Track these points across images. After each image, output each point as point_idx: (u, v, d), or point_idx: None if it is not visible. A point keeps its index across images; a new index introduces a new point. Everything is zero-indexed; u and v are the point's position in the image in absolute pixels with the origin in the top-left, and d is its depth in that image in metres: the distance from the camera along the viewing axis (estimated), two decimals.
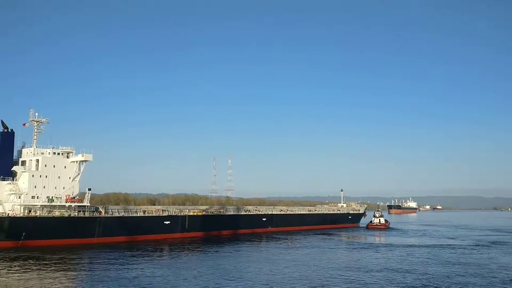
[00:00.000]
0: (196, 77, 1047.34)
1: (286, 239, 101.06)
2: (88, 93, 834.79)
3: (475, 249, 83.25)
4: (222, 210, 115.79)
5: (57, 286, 44.26)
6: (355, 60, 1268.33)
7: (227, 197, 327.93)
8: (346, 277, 50.61)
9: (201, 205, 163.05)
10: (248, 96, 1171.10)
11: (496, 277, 51.74)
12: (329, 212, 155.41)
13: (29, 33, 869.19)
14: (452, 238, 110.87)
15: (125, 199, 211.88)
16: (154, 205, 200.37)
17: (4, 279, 47.77)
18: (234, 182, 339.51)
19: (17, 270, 53.28)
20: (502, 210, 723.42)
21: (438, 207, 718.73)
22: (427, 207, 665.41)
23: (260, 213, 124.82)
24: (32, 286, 43.91)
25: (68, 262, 60.87)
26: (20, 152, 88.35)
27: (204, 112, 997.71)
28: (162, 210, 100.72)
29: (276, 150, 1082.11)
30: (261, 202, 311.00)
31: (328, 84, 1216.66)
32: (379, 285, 46.20)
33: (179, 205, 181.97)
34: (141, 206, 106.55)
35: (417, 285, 46.25)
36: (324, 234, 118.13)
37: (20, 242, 74.90)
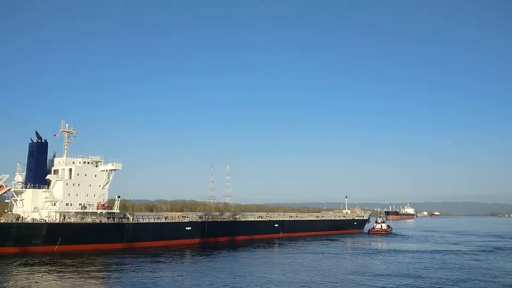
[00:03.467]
0: (193, 81, 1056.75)
1: (298, 244, 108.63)
2: (80, 98, 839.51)
3: (479, 255, 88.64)
4: (238, 217, 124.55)
5: None
6: (353, 63, 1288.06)
7: (225, 203, 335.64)
8: (358, 282, 54.55)
9: (199, 211, 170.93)
10: (246, 100, 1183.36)
11: (500, 282, 55.50)
12: (336, 219, 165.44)
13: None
14: (455, 244, 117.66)
15: (122, 206, 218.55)
16: (152, 211, 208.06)
17: (43, 281, 53.44)
18: (232, 188, 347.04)
19: (55, 273, 58.94)
20: (499, 216, 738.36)
21: (435, 213, 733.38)
22: (425, 213, 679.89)
23: (272, 219, 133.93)
24: None
25: (100, 266, 66.93)
26: (51, 162, 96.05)
27: (202, 118, 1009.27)
28: (183, 216, 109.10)
29: (274, 157, 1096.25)
30: (259, 208, 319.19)
31: (326, 88, 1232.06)
32: None
33: (177, 211, 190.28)
34: (163, 213, 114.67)
35: None
36: (332, 240, 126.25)
37: (56, 247, 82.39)
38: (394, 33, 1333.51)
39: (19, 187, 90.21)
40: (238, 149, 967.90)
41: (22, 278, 55.14)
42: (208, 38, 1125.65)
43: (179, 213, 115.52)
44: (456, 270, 65.78)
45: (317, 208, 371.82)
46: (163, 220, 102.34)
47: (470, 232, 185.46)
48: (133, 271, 61.80)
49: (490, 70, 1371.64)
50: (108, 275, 60.26)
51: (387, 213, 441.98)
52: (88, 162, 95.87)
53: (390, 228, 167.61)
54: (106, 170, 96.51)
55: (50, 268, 63.05)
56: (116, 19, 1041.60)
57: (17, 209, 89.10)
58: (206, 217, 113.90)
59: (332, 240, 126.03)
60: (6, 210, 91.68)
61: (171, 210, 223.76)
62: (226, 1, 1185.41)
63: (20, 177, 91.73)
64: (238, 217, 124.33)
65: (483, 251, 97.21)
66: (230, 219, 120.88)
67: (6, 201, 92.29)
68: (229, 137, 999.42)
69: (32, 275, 57.15)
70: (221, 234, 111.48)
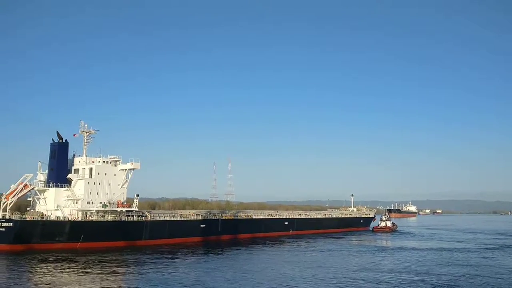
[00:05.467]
0: (196, 80, 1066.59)
1: (308, 242, 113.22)
2: (83, 98, 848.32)
3: (487, 253, 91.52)
4: (250, 215, 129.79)
5: (112, 284, 52.33)
6: (355, 62, 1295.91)
7: (227, 201, 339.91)
8: (372, 278, 57.14)
9: (201, 209, 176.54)
10: (248, 99, 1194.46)
11: (509, 280, 57.40)
12: (344, 217, 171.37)
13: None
14: (461, 242, 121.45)
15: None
16: (154, 209, 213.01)
17: (66, 276, 56.90)
18: (234, 186, 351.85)
19: (78, 269, 62.64)
20: (502, 214, 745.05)
21: (438, 211, 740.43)
22: (427, 211, 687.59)
23: (282, 217, 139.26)
24: (90, 284, 51.98)
25: (120, 262, 70.51)
26: (72, 161, 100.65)
27: (204, 116, 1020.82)
28: (196, 214, 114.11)
29: (276, 155, 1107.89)
30: (262, 206, 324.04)
31: (327, 87, 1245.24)
32: (403, 285, 52.41)
33: (179, 209, 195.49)
34: (178, 211, 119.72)
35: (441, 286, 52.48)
36: (339, 237, 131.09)
37: (79, 243, 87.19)
38: (398, 32, 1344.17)
39: (41, 186, 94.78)
40: (240, 148, 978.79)
41: (47, 274, 58.86)
42: (211, 37, 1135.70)
43: (193, 211, 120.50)
44: (465, 268, 67.79)
45: (319, 206, 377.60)
46: (178, 218, 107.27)
47: (475, 230, 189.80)
48: (151, 267, 65.55)
49: (491, 68, 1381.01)
50: (127, 270, 63.53)
51: (389, 211, 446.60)
52: (107, 162, 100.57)
53: (395, 226, 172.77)
54: (125, 170, 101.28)
55: (73, 264, 67.17)
56: (129, 17, 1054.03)
57: (40, 207, 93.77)
58: (220, 215, 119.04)
59: (339, 237, 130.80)
60: (28, 208, 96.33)
61: (173, 208, 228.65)
62: (229, 1, 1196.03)
63: (42, 176, 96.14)
64: (250, 215, 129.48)
65: (490, 249, 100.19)
66: (243, 217, 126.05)
67: (28, 199, 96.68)
68: (231, 136, 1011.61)
69: (56, 271, 61.08)
70: (234, 232, 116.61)
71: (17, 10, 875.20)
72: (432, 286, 52.34)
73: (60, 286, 50.27)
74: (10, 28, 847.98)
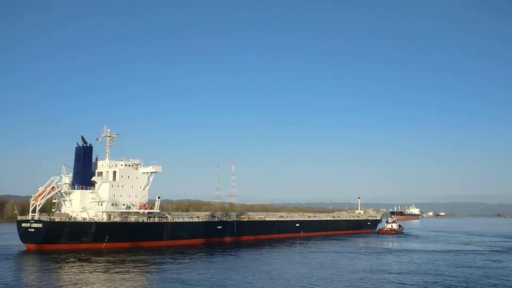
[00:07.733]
0: (199, 83, 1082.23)
1: (319, 243, 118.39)
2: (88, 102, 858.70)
3: (495, 255, 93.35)
4: (263, 216, 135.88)
5: (135, 284, 54.96)
6: (360, 68, 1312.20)
7: (230, 203, 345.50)
8: (381, 279, 59.37)
9: (205, 211, 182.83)
10: (251, 103, 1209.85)
11: None
12: (352, 219, 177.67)
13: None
14: (467, 244, 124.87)
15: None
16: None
17: (92, 275, 60.26)
18: (237, 188, 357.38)
19: (103, 268, 66.05)
20: (505, 217, 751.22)
21: (441, 213, 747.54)
22: (430, 213, 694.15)
23: (294, 219, 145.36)
24: (114, 283, 54.57)
25: (143, 262, 74.14)
26: (95, 164, 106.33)
27: (208, 119, 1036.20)
28: (212, 216, 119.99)
29: (278, 158, 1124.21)
30: (265, 208, 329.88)
31: (330, 92, 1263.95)
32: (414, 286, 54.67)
33: (183, 211, 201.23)
34: (196, 213, 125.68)
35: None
36: (348, 239, 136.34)
37: (104, 244, 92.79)
38: (398, 37, 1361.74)
39: (66, 188, 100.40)
40: (243, 150, 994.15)
41: (75, 272, 62.98)
42: (218, 43, 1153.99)
43: (208, 213, 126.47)
44: (474, 270, 69.24)
45: (322, 208, 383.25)
46: (196, 220, 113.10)
47: (480, 233, 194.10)
48: (172, 267, 69.29)
49: (492, 73, 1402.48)
50: (149, 270, 67.34)
51: (392, 213, 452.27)
52: (130, 165, 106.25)
53: (401, 228, 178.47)
54: (147, 173, 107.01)
55: (98, 264, 70.99)
56: (148, 22, 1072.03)
57: (66, 209, 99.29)
58: (235, 216, 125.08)
59: (348, 239, 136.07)
60: (53, 210, 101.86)
61: (177, 210, 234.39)
62: (229, 7, 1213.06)
63: (67, 179, 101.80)
64: (263, 217, 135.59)
65: (498, 251, 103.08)
66: (256, 219, 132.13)
67: (53, 201, 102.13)
68: (234, 138, 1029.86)
69: (83, 270, 65.11)
70: (248, 233, 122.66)
71: (42, 12, 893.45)
72: (444, 287, 54.70)
73: (86, 285, 53.61)
74: (37, 30, 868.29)
